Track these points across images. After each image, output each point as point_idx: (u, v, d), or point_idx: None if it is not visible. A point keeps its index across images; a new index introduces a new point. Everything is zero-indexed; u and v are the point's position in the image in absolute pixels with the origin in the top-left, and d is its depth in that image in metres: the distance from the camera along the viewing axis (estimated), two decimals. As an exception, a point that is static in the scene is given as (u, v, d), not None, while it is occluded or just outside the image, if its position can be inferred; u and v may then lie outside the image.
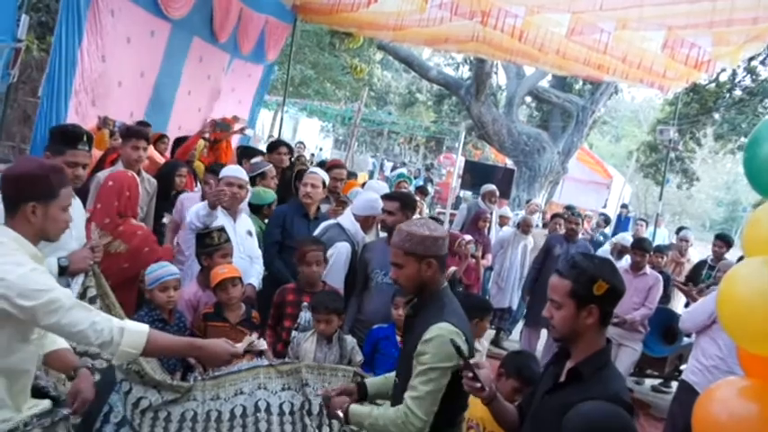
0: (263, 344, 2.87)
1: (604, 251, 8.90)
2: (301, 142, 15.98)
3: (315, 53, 19.96)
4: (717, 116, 19.25)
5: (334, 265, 4.10)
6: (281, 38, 10.02)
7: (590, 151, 24.21)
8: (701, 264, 7.48)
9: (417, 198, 8.66)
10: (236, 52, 8.84)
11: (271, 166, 5.58)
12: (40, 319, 2.12)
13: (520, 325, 8.25)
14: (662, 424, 5.78)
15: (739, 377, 1.98)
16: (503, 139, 15.32)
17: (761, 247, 1.91)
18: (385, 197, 4.33)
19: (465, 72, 22.04)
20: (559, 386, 2.17)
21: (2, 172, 2.33)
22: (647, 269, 6.14)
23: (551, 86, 17.43)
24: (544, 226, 9.60)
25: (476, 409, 2.85)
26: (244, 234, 4.43)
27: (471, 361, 2.31)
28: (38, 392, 2.40)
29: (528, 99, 21.57)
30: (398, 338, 3.59)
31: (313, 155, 16.89)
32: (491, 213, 8.46)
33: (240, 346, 2.64)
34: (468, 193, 15.09)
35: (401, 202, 4.16)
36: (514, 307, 8.22)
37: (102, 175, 4.14)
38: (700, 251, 10.17)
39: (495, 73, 18.39)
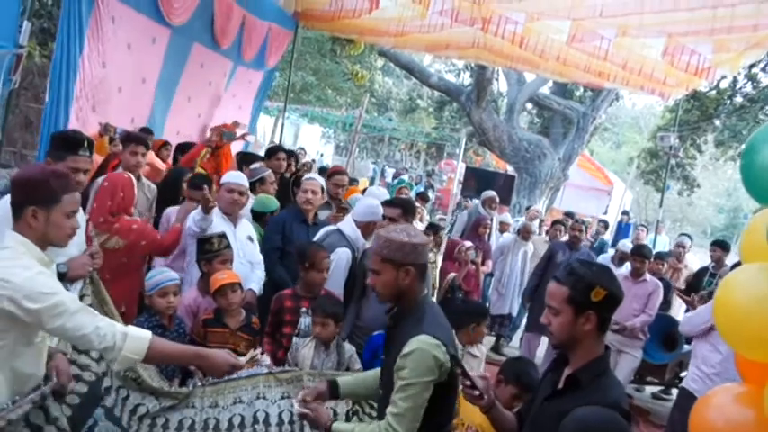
0: (266, 360, 2.86)
1: (605, 258, 8.91)
2: (302, 148, 15.99)
3: (316, 60, 20.01)
4: (718, 123, 19.27)
5: (335, 271, 4.10)
6: (283, 44, 10.06)
7: (591, 158, 24.24)
8: (703, 271, 7.48)
9: (418, 204, 8.71)
10: (239, 59, 8.87)
11: (270, 171, 5.59)
12: (45, 322, 2.14)
13: (520, 332, 8.25)
14: (662, 431, 5.77)
15: (736, 383, 1.98)
16: (503, 146, 15.34)
17: (758, 253, 1.92)
18: (386, 204, 4.33)
19: (466, 79, 22.08)
20: (558, 393, 2.16)
21: (11, 177, 2.36)
22: (647, 276, 6.14)
23: (552, 93, 17.46)
24: (546, 233, 9.60)
25: (475, 415, 2.85)
26: (244, 239, 4.43)
27: (472, 374, 2.31)
28: None
29: (529, 106, 21.59)
30: None
31: (314, 161, 16.89)
32: (491, 220, 8.46)
33: (243, 359, 2.64)
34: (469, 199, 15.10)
35: (403, 208, 4.17)
36: (514, 313, 8.21)
37: (101, 179, 4.15)
38: (701, 258, 10.16)
39: (496, 80, 18.45)
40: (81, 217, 3.27)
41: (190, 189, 4.59)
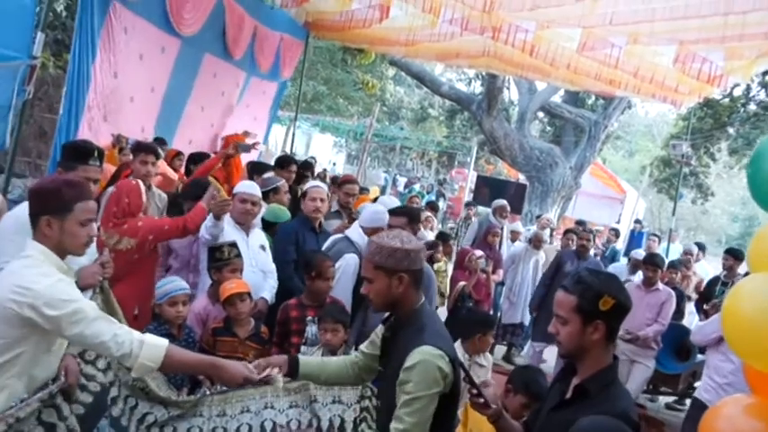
0: (279, 380, 2.85)
1: (616, 267, 8.85)
2: (313, 157, 16.05)
3: (327, 69, 20.10)
4: (731, 131, 19.14)
5: (342, 278, 4.10)
6: (296, 55, 10.12)
7: (603, 166, 24.14)
8: (715, 280, 7.40)
9: (429, 214, 8.70)
10: (254, 70, 8.93)
11: (284, 181, 5.61)
12: (64, 329, 2.18)
13: (532, 341, 8.19)
14: (676, 442, 5.71)
15: (746, 394, 1.95)
16: (515, 154, 15.30)
17: (766, 262, 1.89)
18: (392, 213, 4.32)
19: (477, 87, 22.10)
20: (565, 403, 2.14)
21: (28, 188, 2.41)
22: (660, 285, 6.08)
23: (564, 101, 17.42)
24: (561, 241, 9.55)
25: (483, 425, 2.83)
26: (257, 248, 4.43)
27: (478, 382, 2.29)
28: None
29: (540, 114, 21.56)
30: None
31: (326, 170, 16.94)
32: (502, 228, 8.44)
33: (258, 375, 2.62)
34: (481, 208, 15.07)
35: (408, 216, 4.15)
36: (526, 322, 8.16)
37: (111, 188, 4.19)
38: (714, 267, 10.06)
39: (507, 88, 18.43)
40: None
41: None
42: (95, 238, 3.37)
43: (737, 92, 17.27)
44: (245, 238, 4.38)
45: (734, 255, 7.22)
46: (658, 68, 7.58)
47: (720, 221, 41.57)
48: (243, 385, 2.64)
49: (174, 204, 4.98)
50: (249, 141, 7.62)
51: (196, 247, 4.31)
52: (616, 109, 15.26)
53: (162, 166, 5.69)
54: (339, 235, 4.55)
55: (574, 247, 7.51)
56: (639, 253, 8.29)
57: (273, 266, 4.50)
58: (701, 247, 9.64)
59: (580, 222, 11.01)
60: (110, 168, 5.40)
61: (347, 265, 4.15)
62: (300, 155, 18.92)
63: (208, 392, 3.23)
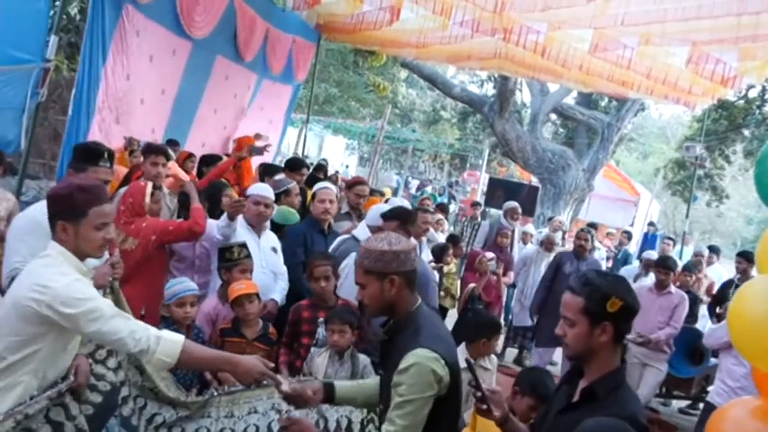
0: (284, 382, 2.84)
1: (629, 269, 8.79)
2: (325, 159, 16.09)
3: (339, 71, 20.14)
4: (746, 133, 18.97)
5: (349, 276, 4.09)
6: (308, 57, 10.15)
7: (617, 168, 23.97)
8: (728, 283, 7.31)
9: (440, 216, 8.68)
10: (266, 72, 8.96)
11: (295, 183, 5.62)
12: (82, 327, 2.22)
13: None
14: (688, 447, 5.66)
15: (753, 397, 1.92)
16: (527, 157, 15.25)
17: (774, 264, 1.86)
18: (384, 218, 4.23)
19: (489, 89, 22.06)
20: (573, 406, 2.12)
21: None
22: (672, 288, 6.03)
23: (576, 103, 17.34)
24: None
25: (491, 429, 2.81)
26: (268, 250, 4.45)
27: (484, 386, 2.27)
28: None
29: (553, 116, 21.48)
30: None
31: (338, 172, 16.97)
32: (513, 231, 8.40)
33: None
34: (493, 210, 15.03)
35: (399, 219, 4.09)
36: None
37: (123, 190, 4.22)
38: (729, 270, 9.96)
39: (520, 90, 18.39)
40: None
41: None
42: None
43: (752, 93, 17.14)
44: (257, 239, 4.39)
45: (747, 258, 7.13)
46: (671, 69, 7.52)
47: (735, 224, 41.19)
48: (250, 385, 2.63)
49: (185, 205, 5.00)
50: (261, 144, 7.65)
51: (199, 248, 4.32)
52: (629, 111, 15.17)
53: (174, 167, 5.72)
54: (346, 235, 4.56)
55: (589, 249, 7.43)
56: (652, 254, 8.22)
57: (284, 269, 4.51)
58: (715, 250, 9.54)
59: (592, 225, 10.93)
60: (122, 170, 5.44)
61: (352, 264, 4.15)
62: (313, 157, 18.95)
63: (216, 393, 3.24)
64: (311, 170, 7.95)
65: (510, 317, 8.27)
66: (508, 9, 6.55)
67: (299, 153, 11.36)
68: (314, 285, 3.88)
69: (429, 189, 21.82)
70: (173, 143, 6.82)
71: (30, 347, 2.24)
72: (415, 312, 2.35)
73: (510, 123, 15.08)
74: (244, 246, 4.00)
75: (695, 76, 7.27)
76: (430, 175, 33.54)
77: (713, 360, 6.19)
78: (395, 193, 18.71)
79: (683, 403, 7.47)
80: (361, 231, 4.47)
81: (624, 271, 8.68)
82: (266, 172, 6.13)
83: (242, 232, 4.28)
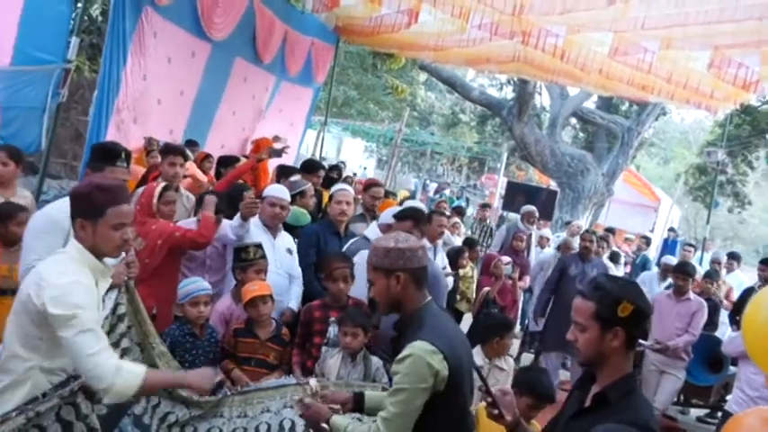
0: (313, 384, 2.88)
1: (648, 275, 8.69)
2: (343, 162, 16.14)
3: (358, 74, 20.19)
4: (770, 138, 18.70)
5: (358, 274, 4.10)
6: (327, 59, 10.17)
7: (637, 173, 23.75)
8: (749, 290, 7.20)
9: (456, 219, 8.66)
10: (284, 74, 8.99)
11: (310, 185, 5.64)
12: (57, 328, 2.22)
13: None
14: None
15: None
16: (546, 160, 15.17)
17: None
18: (396, 218, 4.23)
19: (509, 93, 21.98)
20: (584, 411, 2.09)
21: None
22: (691, 294, 5.95)
23: (597, 107, 17.23)
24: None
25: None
26: (283, 251, 4.46)
27: (494, 390, 2.26)
28: None
29: (573, 120, 21.35)
30: None
31: (355, 174, 16.99)
32: (530, 234, 8.35)
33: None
34: (512, 214, 14.96)
35: (413, 219, 4.10)
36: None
37: (141, 190, 4.25)
38: (751, 277, 9.80)
39: (539, 93, 18.30)
40: None
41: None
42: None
43: (777, 98, 16.87)
44: (272, 240, 4.41)
45: (769, 264, 7.03)
46: (692, 74, 7.43)
47: (758, 231, 40.59)
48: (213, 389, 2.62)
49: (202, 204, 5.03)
50: (279, 146, 7.69)
51: (210, 248, 4.34)
52: (650, 115, 15.03)
53: (192, 168, 5.76)
54: (359, 237, 4.58)
55: (605, 255, 7.37)
56: (671, 259, 8.13)
57: (299, 271, 4.52)
58: (736, 256, 9.39)
59: (609, 230, 10.83)
60: (139, 170, 5.49)
61: (362, 262, 4.15)
62: (331, 159, 19.01)
63: (229, 393, 3.26)
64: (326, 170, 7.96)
65: (526, 321, 8.21)
66: (527, 12, 6.53)
67: (317, 155, 11.39)
68: (332, 286, 3.88)
69: (447, 192, 21.78)
70: (191, 144, 6.87)
71: (33, 341, 2.28)
72: (423, 309, 2.40)
73: (529, 127, 15.02)
74: (259, 246, 4.01)
75: (717, 80, 7.17)
76: (448, 178, 33.46)
77: (732, 368, 6.10)
78: (413, 195, 18.71)
79: (702, 412, 7.37)
80: (372, 232, 4.49)
81: (643, 276, 8.57)
82: (282, 173, 6.16)
83: (257, 233, 4.30)
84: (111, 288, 2.94)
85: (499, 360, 3.98)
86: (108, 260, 3.08)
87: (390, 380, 2.44)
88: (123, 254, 3.23)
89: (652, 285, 7.80)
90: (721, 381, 6.47)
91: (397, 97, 18.57)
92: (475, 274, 7.13)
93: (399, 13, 7.50)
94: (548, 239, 8.91)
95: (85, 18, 6.91)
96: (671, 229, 15.68)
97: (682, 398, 6.79)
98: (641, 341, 5.75)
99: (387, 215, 4.55)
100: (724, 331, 7.41)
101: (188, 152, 5.38)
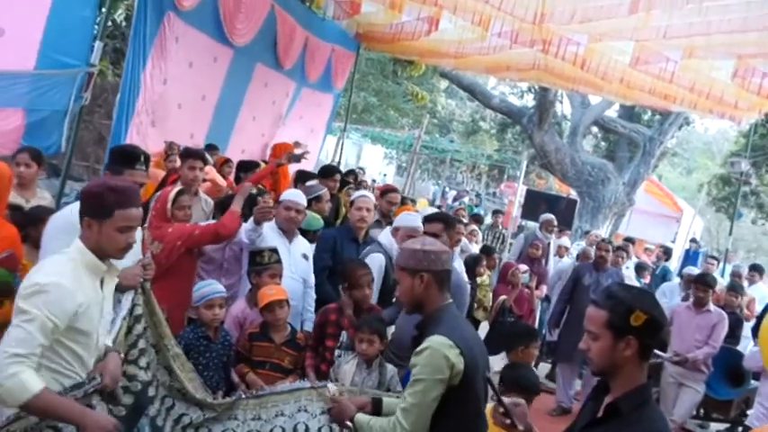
0: (332, 388, 2.96)
1: (669, 286, 8.58)
2: (362, 168, 16.17)
3: (378, 80, 20.23)
4: (796, 149, 18.41)
5: None
6: (347, 66, 10.24)
7: (659, 183, 23.49)
8: (772, 303, 7.10)
9: (474, 227, 8.63)
10: (304, 80, 9.06)
11: (326, 189, 5.66)
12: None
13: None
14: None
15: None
16: (566, 169, 15.08)
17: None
18: (427, 219, 4.28)
19: (530, 101, 21.90)
20: (597, 422, 2.07)
21: None
22: (711, 306, 5.86)
23: (618, 116, 17.11)
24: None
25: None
26: (299, 256, 4.47)
27: (506, 400, 2.25)
28: None
29: (594, 129, 21.20)
30: None
31: (374, 180, 17.01)
32: (548, 243, 8.29)
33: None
34: (531, 223, 14.86)
35: (444, 222, 4.15)
36: (572, 340, 7.97)
37: (159, 193, 4.29)
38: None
39: (560, 102, 18.22)
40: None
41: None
42: (141, 241, 3.48)
43: (803, 109, 16.60)
44: (288, 245, 4.42)
45: (792, 277, 6.92)
46: (716, 83, 7.37)
47: (783, 243, 39.89)
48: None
49: (221, 210, 5.06)
50: (299, 151, 7.73)
51: (228, 251, 4.37)
52: (673, 125, 14.89)
53: (211, 172, 5.81)
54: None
55: (624, 265, 7.28)
56: (693, 270, 8.02)
57: (313, 278, 4.53)
58: (758, 268, 9.25)
59: (629, 239, 10.71)
60: (160, 173, 5.55)
61: (371, 264, 4.16)
62: (351, 165, 19.04)
63: (243, 396, 3.27)
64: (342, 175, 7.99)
65: (543, 331, 8.14)
66: (548, 21, 6.51)
67: (337, 161, 11.44)
68: (357, 293, 3.86)
69: (466, 200, 21.71)
70: (211, 148, 6.93)
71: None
72: (443, 310, 2.54)
73: (549, 135, 14.95)
74: (274, 251, 4.03)
75: (741, 89, 7.11)
76: (468, 186, 33.37)
77: (754, 382, 6.00)
78: (431, 203, 18.67)
79: (722, 426, 7.24)
80: (385, 237, 4.52)
81: (664, 287, 8.46)
82: (300, 178, 6.19)
83: (273, 237, 4.32)
84: (127, 290, 2.97)
85: (523, 368, 3.98)
86: (124, 262, 3.12)
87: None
88: (140, 255, 3.29)
89: (673, 296, 7.71)
90: (742, 395, 6.37)
91: (417, 104, 18.58)
92: (492, 282, 7.10)
93: (420, 20, 7.53)
94: (566, 249, 8.84)
95: (109, 23, 7.01)
96: (693, 240, 15.46)
97: (701, 412, 6.69)
98: (660, 353, 5.71)
99: (400, 219, 4.59)
100: (747, 345, 7.30)
101: (207, 156, 5.43)
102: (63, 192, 5.37)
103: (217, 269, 4.40)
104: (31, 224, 3.76)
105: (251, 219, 4.19)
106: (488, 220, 12.32)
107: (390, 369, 3.66)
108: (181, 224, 3.95)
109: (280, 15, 7.71)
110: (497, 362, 4.25)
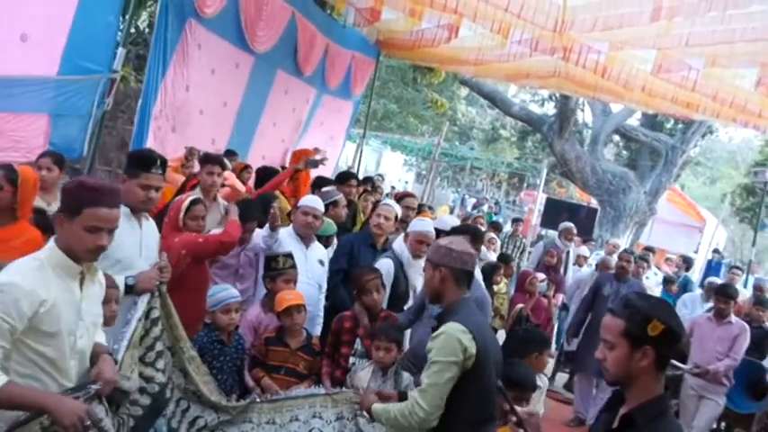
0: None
1: (691, 296, 8.45)
2: (380, 175, 16.19)
3: (398, 87, 20.26)
4: (823, 159, 18.11)
5: None
6: (367, 73, 10.28)
7: (682, 192, 23.20)
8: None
9: (492, 235, 8.59)
10: (324, 87, 9.11)
11: (342, 195, 5.68)
12: None
13: (595, 370, 7.90)
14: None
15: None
16: (586, 177, 14.96)
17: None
18: (455, 231, 4.29)
19: (550, 109, 21.79)
20: (612, 433, 2.05)
21: None
22: (733, 317, 5.77)
23: (641, 125, 16.94)
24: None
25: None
26: (315, 262, 4.49)
27: (520, 410, 2.25)
28: None
29: (615, 137, 21.02)
30: None
31: (393, 187, 17.01)
32: (567, 252, 8.22)
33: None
34: (550, 231, 14.75)
35: (472, 234, 4.18)
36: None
37: (177, 199, 4.33)
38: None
39: (581, 110, 18.09)
40: (149, 232, 3.38)
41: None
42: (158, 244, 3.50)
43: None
44: (305, 250, 4.44)
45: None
46: (739, 91, 7.27)
47: (809, 255, 39.16)
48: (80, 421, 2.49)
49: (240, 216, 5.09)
50: (318, 157, 7.76)
51: (243, 257, 4.39)
52: (695, 133, 14.71)
53: (231, 178, 5.84)
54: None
55: (644, 276, 7.19)
56: (716, 280, 7.90)
57: (326, 285, 4.56)
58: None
59: (649, 249, 10.59)
60: (179, 179, 5.60)
61: (380, 268, 4.18)
62: (370, 172, 19.07)
63: (258, 399, 3.28)
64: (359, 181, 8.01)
65: (561, 341, 8.07)
66: (568, 29, 6.48)
67: (357, 168, 11.46)
68: (366, 299, 3.88)
69: (485, 208, 21.63)
70: (230, 154, 6.98)
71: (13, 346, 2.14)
72: (460, 303, 2.76)
73: (570, 143, 14.85)
74: (289, 256, 4.04)
75: (765, 98, 7.01)
76: (487, 193, 33.25)
77: (776, 396, 5.89)
78: (451, 211, 18.63)
79: (744, 440, 7.12)
80: (398, 243, 4.56)
81: (686, 297, 8.33)
82: (317, 184, 6.21)
83: (290, 242, 4.34)
84: (142, 293, 2.98)
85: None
86: (142, 265, 3.14)
87: None
88: (157, 258, 3.30)
89: (694, 307, 7.59)
90: (764, 409, 6.24)
91: (436, 111, 18.57)
92: (510, 290, 7.06)
93: (440, 27, 7.55)
94: (585, 258, 8.76)
95: (132, 30, 7.11)
96: (716, 251, 15.24)
97: (722, 425, 6.57)
98: (680, 365, 5.62)
99: (412, 224, 4.63)
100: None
101: (226, 162, 5.46)
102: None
103: (232, 275, 4.43)
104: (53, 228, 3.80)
105: (267, 225, 4.22)
106: (508, 228, 12.25)
107: (406, 377, 3.65)
108: (187, 233, 3.92)
109: (300, 22, 7.76)
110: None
